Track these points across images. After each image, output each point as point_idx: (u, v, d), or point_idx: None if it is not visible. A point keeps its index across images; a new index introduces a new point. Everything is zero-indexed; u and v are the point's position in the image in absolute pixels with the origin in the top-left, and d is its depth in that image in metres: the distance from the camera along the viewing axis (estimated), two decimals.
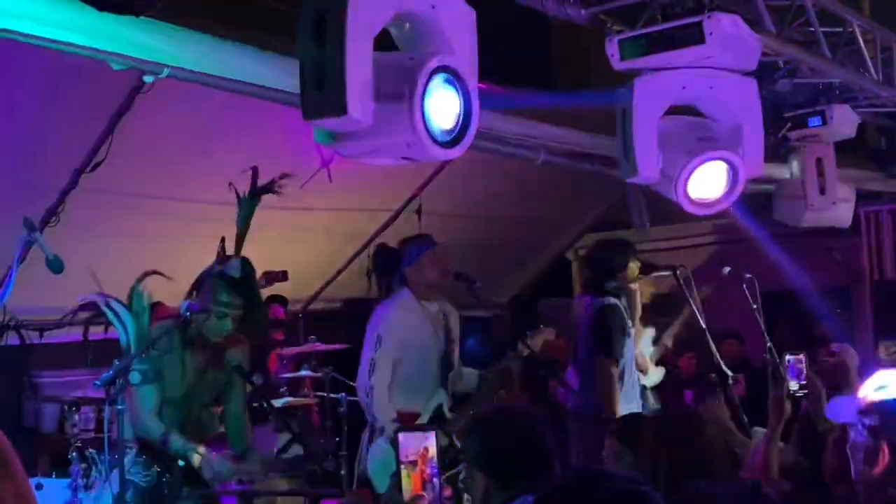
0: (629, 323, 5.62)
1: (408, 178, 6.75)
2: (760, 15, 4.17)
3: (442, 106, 3.00)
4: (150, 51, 3.11)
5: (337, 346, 6.31)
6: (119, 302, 4.11)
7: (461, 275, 4.90)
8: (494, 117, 4.72)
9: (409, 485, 2.02)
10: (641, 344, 6.05)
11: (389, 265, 4.81)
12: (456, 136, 3.08)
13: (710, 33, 3.64)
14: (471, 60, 3.10)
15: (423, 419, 4.60)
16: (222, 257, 4.35)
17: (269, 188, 4.26)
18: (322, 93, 2.68)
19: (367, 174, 5.96)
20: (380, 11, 2.86)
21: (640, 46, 3.78)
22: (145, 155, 5.18)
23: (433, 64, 2.94)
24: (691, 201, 3.86)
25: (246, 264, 4.26)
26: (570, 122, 5.33)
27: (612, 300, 5.57)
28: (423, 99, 2.89)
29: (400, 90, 2.86)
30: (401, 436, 2.05)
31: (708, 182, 3.86)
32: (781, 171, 5.37)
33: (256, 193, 4.25)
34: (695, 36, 3.67)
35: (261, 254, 6.43)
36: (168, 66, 3.16)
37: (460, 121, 3.07)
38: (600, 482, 1.49)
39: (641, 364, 5.91)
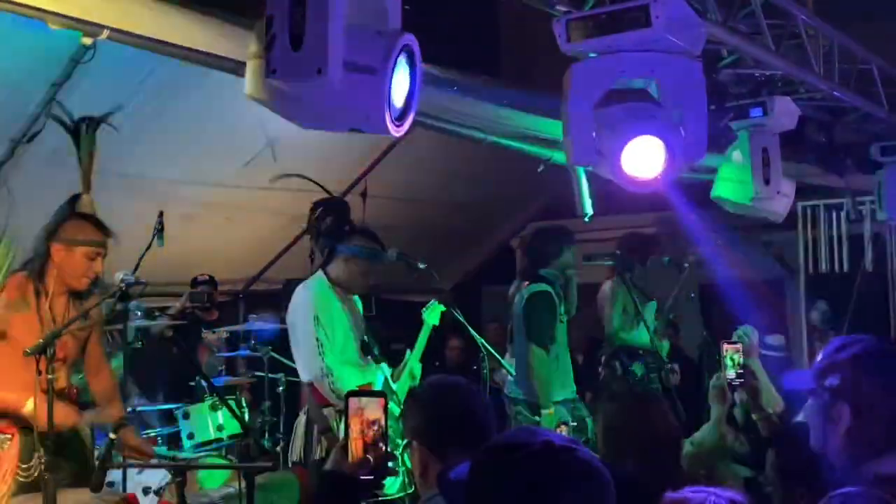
0: (561, 309, 5.67)
1: (353, 161, 6.70)
2: (706, 3, 4.22)
3: (399, 84, 2.95)
4: (89, 11, 3.03)
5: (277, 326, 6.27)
6: None
7: (404, 256, 4.88)
8: (442, 97, 4.71)
9: (353, 448, 2.03)
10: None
11: (335, 222, 4.69)
12: (401, 114, 3.05)
13: (657, 17, 3.65)
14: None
15: None
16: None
17: None
18: (299, 52, 2.61)
19: (312, 155, 5.91)
20: None
21: (586, 28, 3.79)
22: None
23: (403, 41, 2.89)
24: (626, 178, 3.82)
25: None
26: (518, 104, 5.34)
27: (544, 286, 5.61)
28: (392, 74, 2.84)
29: (373, 63, 2.79)
30: (350, 399, 2.05)
31: (644, 159, 3.81)
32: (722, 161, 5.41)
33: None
34: (641, 19, 3.69)
35: (203, 232, 6.38)
36: (108, 28, 3.08)
37: (406, 100, 3.04)
38: (537, 435, 1.50)
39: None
